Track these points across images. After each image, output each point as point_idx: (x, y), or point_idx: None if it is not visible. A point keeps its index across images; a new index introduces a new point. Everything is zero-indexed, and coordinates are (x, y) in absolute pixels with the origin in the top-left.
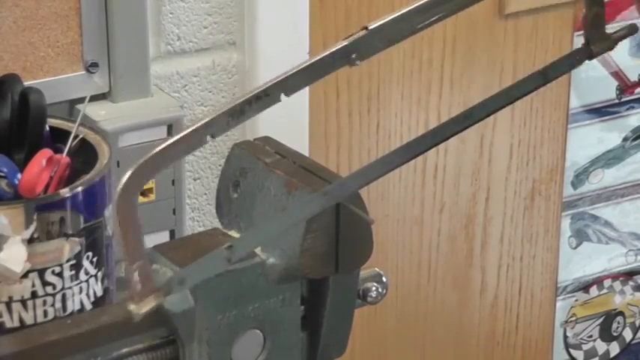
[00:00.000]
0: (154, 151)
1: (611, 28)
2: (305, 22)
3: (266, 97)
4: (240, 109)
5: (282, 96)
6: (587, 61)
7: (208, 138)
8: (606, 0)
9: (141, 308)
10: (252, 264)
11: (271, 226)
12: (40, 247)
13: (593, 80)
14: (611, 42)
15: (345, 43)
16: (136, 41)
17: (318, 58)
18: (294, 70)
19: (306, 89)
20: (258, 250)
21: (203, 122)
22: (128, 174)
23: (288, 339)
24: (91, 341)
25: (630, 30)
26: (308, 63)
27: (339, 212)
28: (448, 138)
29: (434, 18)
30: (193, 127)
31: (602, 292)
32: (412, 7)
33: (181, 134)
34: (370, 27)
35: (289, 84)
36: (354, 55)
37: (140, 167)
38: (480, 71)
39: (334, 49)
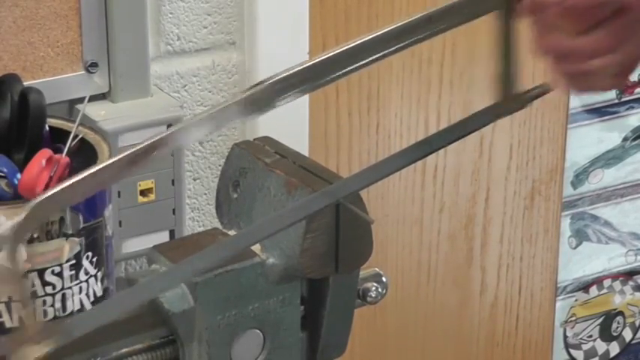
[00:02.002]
0: (49, 194)
1: None
2: (305, 22)
3: (164, 148)
4: (135, 158)
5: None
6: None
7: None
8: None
9: (31, 353)
10: (252, 264)
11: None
12: (40, 247)
13: None
14: (524, 101)
15: (241, 95)
16: (136, 41)
17: (217, 109)
18: (196, 119)
19: None
20: (258, 250)
21: (99, 167)
22: (24, 215)
23: (288, 339)
24: (91, 341)
25: (543, 89)
26: (207, 113)
27: (339, 212)
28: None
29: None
30: (89, 172)
31: (601, 292)
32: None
33: (78, 177)
34: (266, 83)
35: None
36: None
37: (36, 207)
38: (479, 71)
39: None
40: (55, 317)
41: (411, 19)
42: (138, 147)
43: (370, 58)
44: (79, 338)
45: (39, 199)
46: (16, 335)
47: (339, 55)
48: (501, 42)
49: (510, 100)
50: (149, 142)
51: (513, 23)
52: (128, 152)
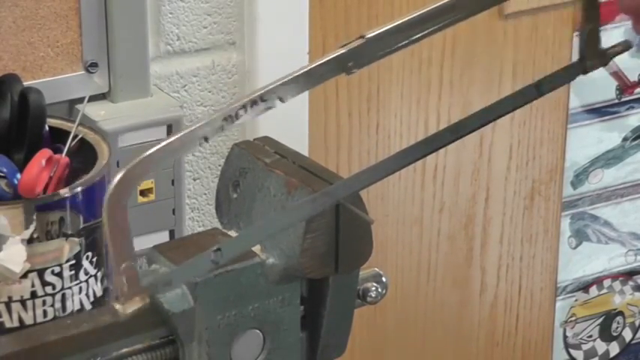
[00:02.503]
0: (147, 153)
1: (610, 27)
2: (305, 22)
3: (262, 102)
4: (235, 114)
5: (278, 102)
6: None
7: (202, 141)
8: (604, 0)
9: (127, 308)
10: (252, 264)
11: (266, 226)
12: (40, 247)
13: (592, 80)
14: (606, 58)
15: (342, 51)
16: (136, 41)
17: (315, 65)
18: (290, 76)
19: None
20: (258, 250)
21: (197, 125)
22: (120, 175)
23: (288, 339)
24: (91, 341)
25: (625, 46)
26: (305, 70)
27: (339, 212)
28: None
29: (432, 29)
30: (188, 130)
31: (601, 292)
32: (410, 16)
33: (173, 137)
34: (367, 36)
35: (285, 89)
36: (350, 64)
37: (132, 169)
38: (479, 71)
39: (331, 57)
40: (55, 317)
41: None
42: (234, 104)
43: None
44: (79, 338)
45: (135, 161)
46: (117, 290)
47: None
48: (585, 1)
49: (594, 56)
50: (245, 99)
51: None
52: (223, 109)
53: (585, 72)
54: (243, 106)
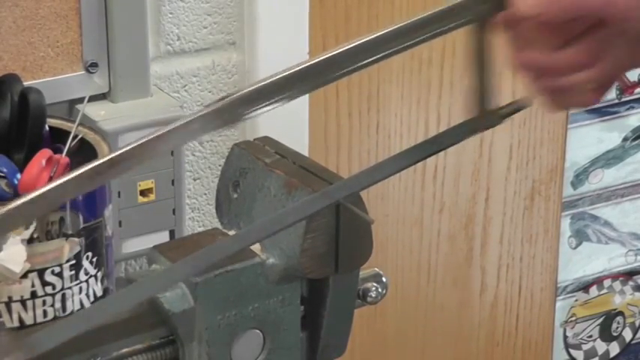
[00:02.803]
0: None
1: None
2: (305, 22)
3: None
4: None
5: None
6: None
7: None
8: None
9: None
10: (252, 264)
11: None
12: (40, 247)
13: None
14: (500, 117)
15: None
16: (136, 41)
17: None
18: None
19: None
20: (258, 250)
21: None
22: None
23: (288, 339)
24: (91, 341)
25: (519, 105)
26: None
27: (339, 212)
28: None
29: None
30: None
31: (602, 292)
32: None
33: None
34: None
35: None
36: (212, 125)
37: (10, 212)
38: None
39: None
40: (55, 317)
41: (392, 29)
42: (101, 160)
43: (348, 69)
44: (79, 338)
45: (13, 205)
46: None
47: (302, 70)
48: (476, 56)
49: (485, 115)
50: (114, 155)
51: (488, 37)
52: (89, 167)
53: (475, 132)
54: (110, 165)
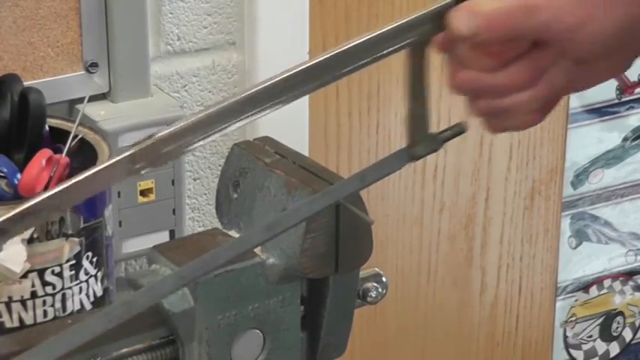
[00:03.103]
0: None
1: None
2: (305, 22)
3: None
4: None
5: None
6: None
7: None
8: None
9: None
10: (252, 264)
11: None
12: (40, 247)
13: None
14: (437, 143)
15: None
16: (136, 41)
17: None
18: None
19: None
20: (258, 250)
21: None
22: None
23: (288, 339)
24: (91, 341)
25: (457, 130)
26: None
27: (339, 212)
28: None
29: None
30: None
31: (602, 292)
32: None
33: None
34: (156, 136)
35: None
36: (138, 165)
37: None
38: None
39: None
40: (55, 317)
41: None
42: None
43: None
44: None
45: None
46: None
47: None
48: (412, 80)
49: (423, 141)
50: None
51: (427, 60)
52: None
53: (415, 158)
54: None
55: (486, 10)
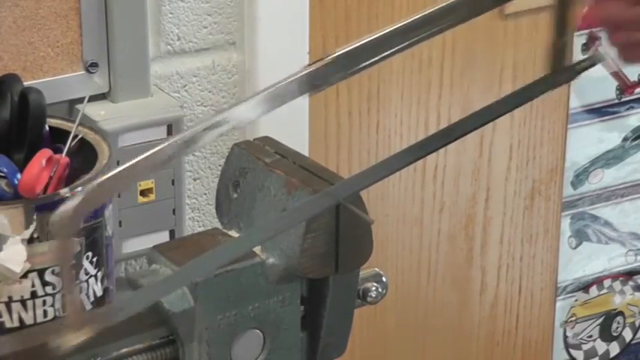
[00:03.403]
0: (101, 180)
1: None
2: (305, 22)
3: (221, 126)
4: (194, 137)
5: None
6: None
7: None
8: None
9: (71, 340)
10: (252, 264)
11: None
12: (40, 247)
13: (593, 80)
14: (575, 73)
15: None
16: (136, 41)
17: (280, 84)
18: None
19: None
20: (258, 250)
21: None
22: (76, 203)
23: (288, 339)
24: (91, 341)
25: (594, 60)
26: (269, 90)
27: (339, 212)
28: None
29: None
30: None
31: (602, 292)
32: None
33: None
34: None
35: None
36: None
37: (90, 194)
38: (479, 71)
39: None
40: (55, 317)
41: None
42: (194, 127)
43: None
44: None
45: (96, 182)
46: (58, 322)
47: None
48: (557, 13)
49: (562, 71)
50: (207, 122)
51: None
52: (185, 133)
53: (549, 89)
54: (204, 130)
55: None
